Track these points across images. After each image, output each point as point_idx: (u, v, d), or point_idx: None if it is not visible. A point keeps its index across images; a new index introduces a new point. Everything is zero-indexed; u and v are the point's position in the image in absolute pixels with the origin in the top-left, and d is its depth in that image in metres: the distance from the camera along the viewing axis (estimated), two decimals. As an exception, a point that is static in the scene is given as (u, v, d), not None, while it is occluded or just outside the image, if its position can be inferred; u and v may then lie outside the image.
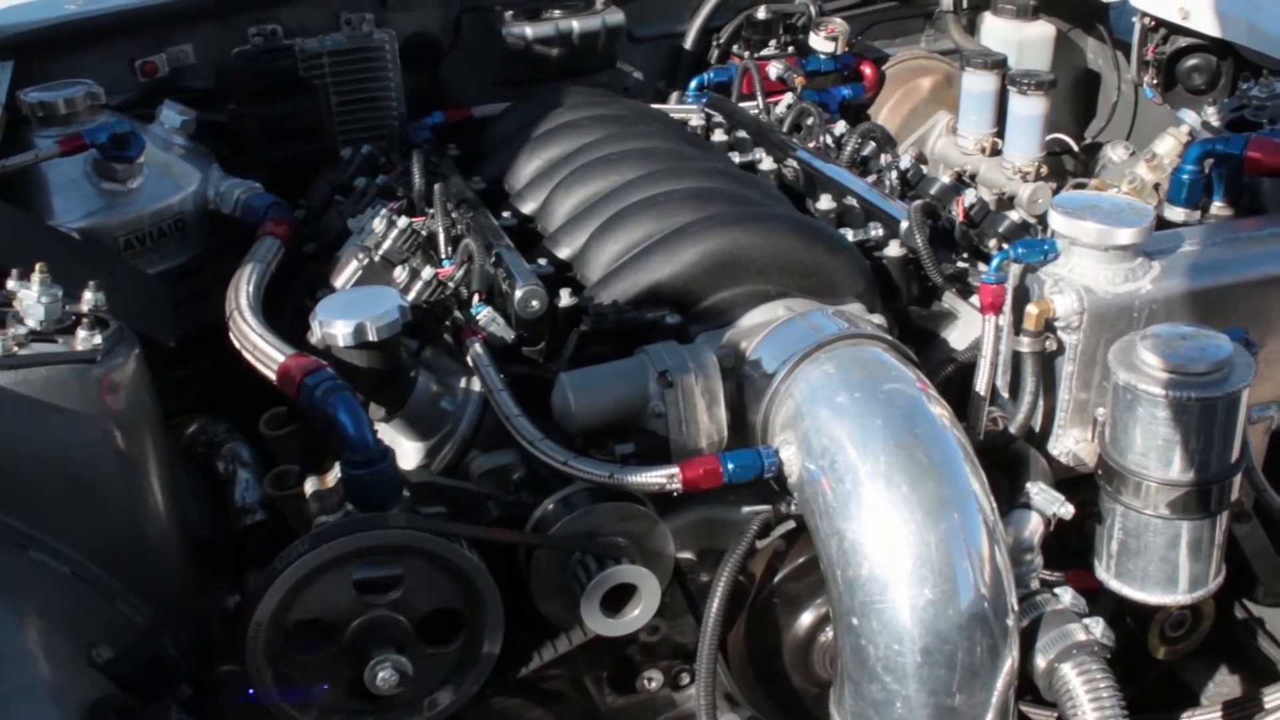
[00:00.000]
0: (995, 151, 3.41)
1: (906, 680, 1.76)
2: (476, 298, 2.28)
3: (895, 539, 1.77)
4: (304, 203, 2.94)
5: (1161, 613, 2.38)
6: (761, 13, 3.65)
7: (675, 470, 1.90)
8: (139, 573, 1.89)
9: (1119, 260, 2.10)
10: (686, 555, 2.11)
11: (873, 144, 2.93)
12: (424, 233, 2.49)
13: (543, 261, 2.41)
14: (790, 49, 3.70)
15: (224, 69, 3.15)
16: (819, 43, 3.63)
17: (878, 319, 2.26)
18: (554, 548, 1.96)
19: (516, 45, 3.33)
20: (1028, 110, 3.26)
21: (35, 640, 1.66)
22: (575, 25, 3.36)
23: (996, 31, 3.75)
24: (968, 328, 2.34)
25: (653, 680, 2.21)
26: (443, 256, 2.48)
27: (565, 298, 2.24)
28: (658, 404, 2.03)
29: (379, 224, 2.47)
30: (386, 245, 2.42)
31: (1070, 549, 2.16)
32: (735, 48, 3.69)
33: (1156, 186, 2.89)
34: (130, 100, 3.02)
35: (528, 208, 2.69)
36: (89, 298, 1.86)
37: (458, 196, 2.63)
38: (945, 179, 2.70)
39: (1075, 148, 3.60)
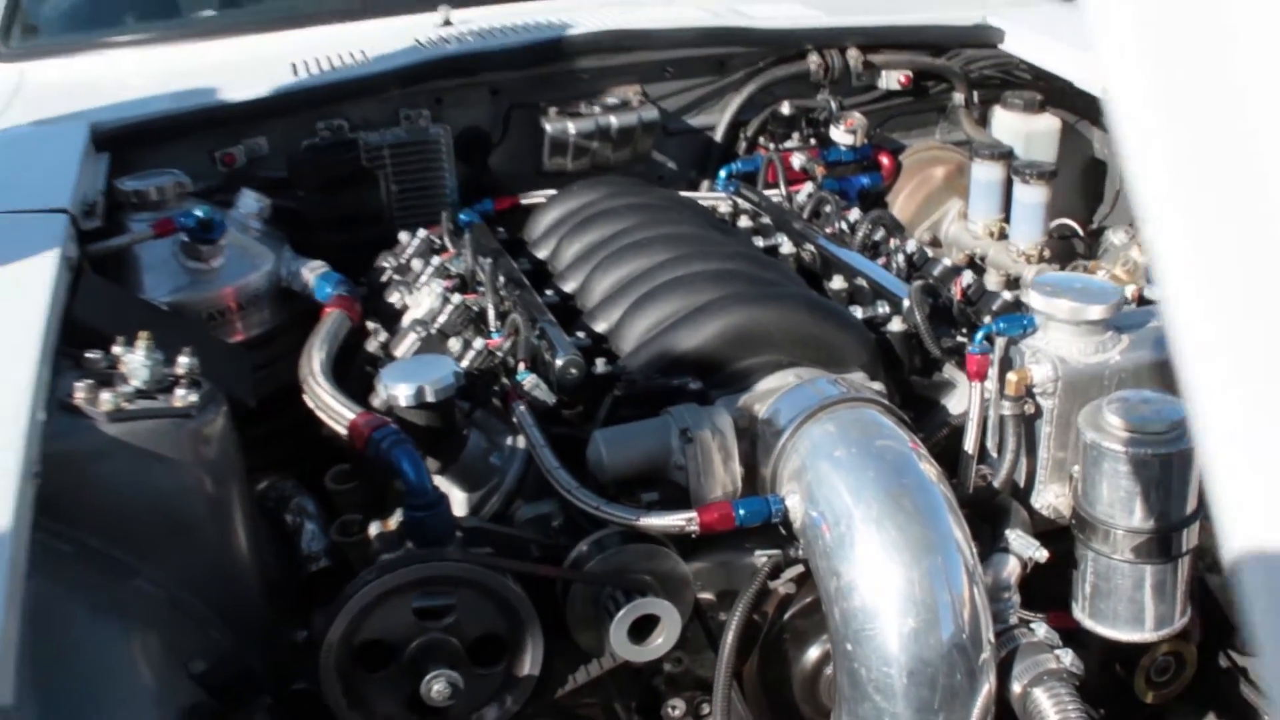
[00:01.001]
0: (1002, 236, 3.57)
1: (895, 699, 1.93)
2: (522, 366, 2.48)
3: (884, 575, 1.95)
4: (365, 281, 3.16)
5: (1146, 658, 2.50)
6: (786, 108, 3.84)
7: (693, 514, 2.10)
8: (225, 603, 2.06)
9: (1091, 334, 2.30)
10: (707, 595, 2.26)
11: (883, 230, 3.14)
12: (475, 309, 2.72)
13: (581, 334, 2.61)
14: (812, 141, 3.88)
15: (294, 159, 3.38)
16: (839, 135, 3.81)
17: (878, 386, 2.44)
18: (588, 582, 2.13)
19: (560, 139, 3.58)
20: (1030, 198, 3.42)
21: (140, 654, 1.86)
22: (614, 121, 3.60)
23: (1006, 124, 3.92)
24: (964, 396, 2.51)
25: (676, 708, 2.35)
26: (492, 329, 2.69)
27: (601, 366, 2.44)
28: (679, 458, 2.21)
29: (434, 301, 2.72)
30: (442, 319, 2.66)
31: (1055, 596, 2.33)
32: (761, 140, 3.88)
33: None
34: (212, 187, 3.24)
35: (569, 286, 2.90)
36: (183, 362, 2.04)
37: (505, 276, 2.84)
38: (947, 261, 2.89)
39: (1080, 232, 3.74)
